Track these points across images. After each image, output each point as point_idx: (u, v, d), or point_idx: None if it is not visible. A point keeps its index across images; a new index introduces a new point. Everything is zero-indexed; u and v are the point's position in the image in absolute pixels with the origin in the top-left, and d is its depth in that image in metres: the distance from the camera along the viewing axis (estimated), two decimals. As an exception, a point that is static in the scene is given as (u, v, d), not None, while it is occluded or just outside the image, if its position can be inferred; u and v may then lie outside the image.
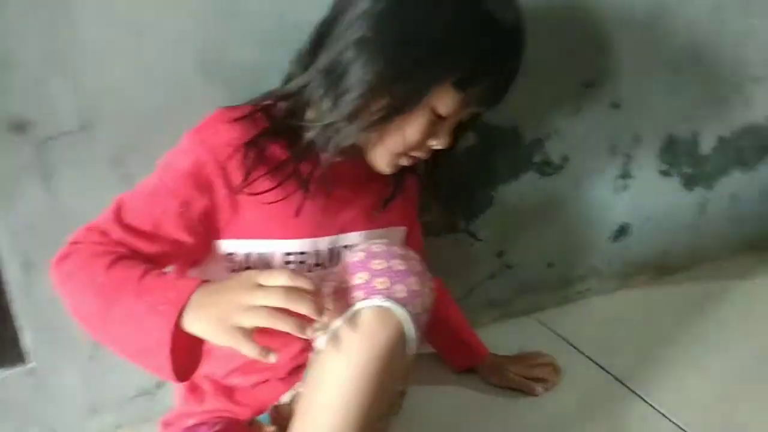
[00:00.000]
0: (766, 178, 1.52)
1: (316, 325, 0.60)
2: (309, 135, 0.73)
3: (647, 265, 1.43)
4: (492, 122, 1.10)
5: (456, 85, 0.70)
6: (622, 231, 1.35)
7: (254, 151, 0.73)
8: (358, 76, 0.68)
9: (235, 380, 0.82)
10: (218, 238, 0.74)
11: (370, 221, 0.82)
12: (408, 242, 0.92)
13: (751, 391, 1.08)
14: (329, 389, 0.66)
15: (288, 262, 0.76)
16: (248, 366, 0.80)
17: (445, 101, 0.71)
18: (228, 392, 0.82)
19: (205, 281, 0.63)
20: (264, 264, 0.76)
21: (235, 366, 0.81)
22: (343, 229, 0.80)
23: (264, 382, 0.82)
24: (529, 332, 1.26)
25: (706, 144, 1.36)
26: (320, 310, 0.59)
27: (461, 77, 0.70)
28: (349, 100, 0.69)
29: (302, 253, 0.77)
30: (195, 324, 0.59)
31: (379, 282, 0.65)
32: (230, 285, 0.61)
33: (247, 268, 0.76)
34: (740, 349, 1.20)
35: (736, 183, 1.47)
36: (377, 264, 0.67)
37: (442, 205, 1.10)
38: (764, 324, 1.28)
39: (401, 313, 0.65)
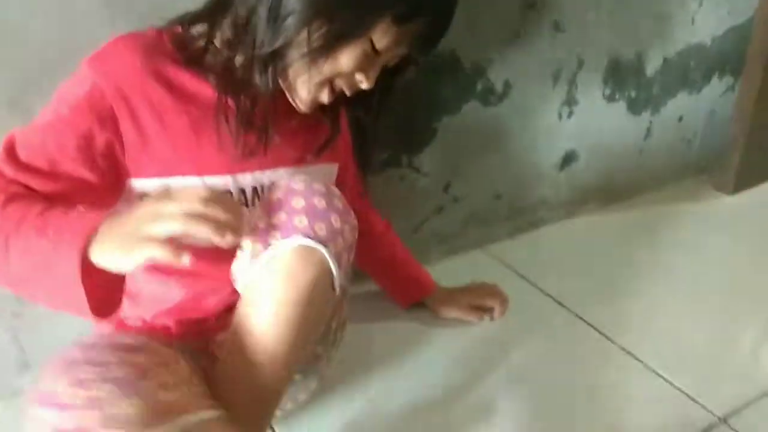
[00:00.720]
0: (712, 100, 1.52)
1: (237, 236, 0.55)
2: (240, 63, 0.67)
3: (595, 191, 1.43)
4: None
5: (395, 19, 0.66)
6: (568, 158, 1.34)
7: (162, 79, 0.67)
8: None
9: (165, 322, 0.78)
10: (128, 177, 0.69)
11: (298, 157, 0.78)
12: (342, 179, 0.88)
13: (692, 312, 1.10)
14: (253, 333, 0.64)
15: None
16: (177, 309, 0.77)
17: (383, 35, 0.67)
18: (158, 328, 0.78)
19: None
20: None
21: (164, 309, 0.77)
22: (269, 165, 0.75)
23: (196, 321, 0.79)
24: (479, 265, 1.25)
25: (651, 66, 1.34)
26: (239, 217, 0.55)
27: (402, 11, 0.66)
28: (289, 25, 0.64)
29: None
30: (103, 253, 0.54)
31: (298, 220, 0.63)
32: (139, 206, 0.56)
33: None
34: (680, 271, 1.22)
35: (682, 105, 1.46)
36: (296, 202, 0.64)
37: (381, 140, 1.07)
38: (708, 247, 1.30)
39: (322, 252, 0.63)
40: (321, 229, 0.63)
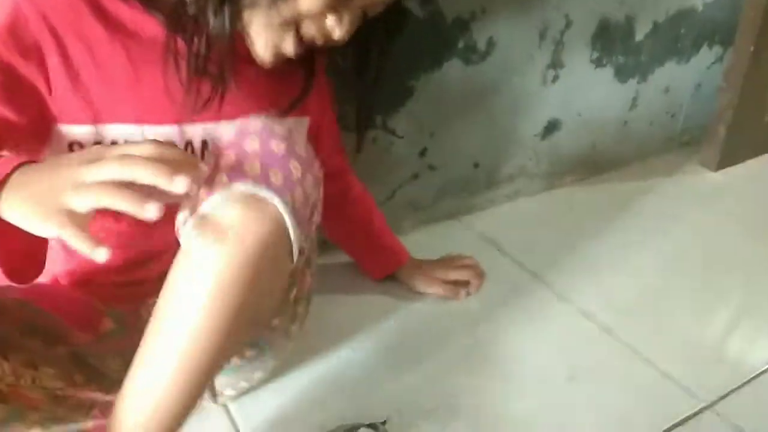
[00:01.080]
0: (700, 72, 1.46)
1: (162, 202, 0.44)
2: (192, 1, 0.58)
3: (576, 163, 1.36)
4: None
5: None
6: (551, 126, 1.27)
7: (98, 10, 0.58)
8: None
9: (99, 279, 0.69)
10: (57, 121, 0.59)
11: (260, 109, 0.69)
12: (315, 134, 0.79)
13: (671, 289, 1.06)
14: (190, 300, 0.53)
15: None
16: (117, 270, 0.68)
17: None
18: (90, 287, 0.69)
19: (34, 161, 0.49)
20: None
21: (100, 269, 0.67)
22: (223, 116, 0.65)
23: (133, 284, 0.70)
24: (454, 236, 1.19)
25: (641, 30, 1.27)
26: (169, 178, 0.44)
27: None
28: None
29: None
30: (12, 208, 0.46)
31: (249, 165, 0.53)
32: (68, 158, 0.47)
33: None
34: (662, 247, 1.17)
35: (669, 75, 1.40)
36: (250, 143, 0.54)
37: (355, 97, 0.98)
38: (687, 221, 1.25)
39: (276, 204, 0.52)
40: (276, 177, 0.53)
